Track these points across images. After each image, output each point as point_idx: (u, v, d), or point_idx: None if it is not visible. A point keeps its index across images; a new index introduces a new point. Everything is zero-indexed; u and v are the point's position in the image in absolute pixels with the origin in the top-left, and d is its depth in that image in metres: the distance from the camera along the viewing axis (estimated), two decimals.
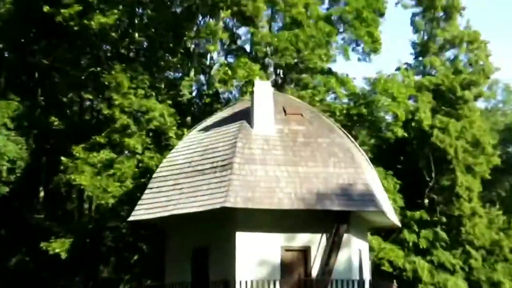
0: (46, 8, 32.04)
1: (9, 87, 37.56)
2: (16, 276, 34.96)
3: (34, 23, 35.95)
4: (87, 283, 36.70)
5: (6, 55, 39.46)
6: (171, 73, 35.81)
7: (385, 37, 55.70)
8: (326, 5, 37.17)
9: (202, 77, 35.42)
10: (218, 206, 20.03)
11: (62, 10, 30.85)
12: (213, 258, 21.71)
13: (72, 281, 36.39)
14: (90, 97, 37.94)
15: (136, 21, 34.30)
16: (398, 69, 39.83)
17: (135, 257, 35.75)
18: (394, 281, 25.34)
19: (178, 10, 34.00)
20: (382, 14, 35.82)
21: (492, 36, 71.03)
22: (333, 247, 21.08)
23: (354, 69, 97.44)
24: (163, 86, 32.74)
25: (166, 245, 24.64)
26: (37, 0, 34.38)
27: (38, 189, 38.53)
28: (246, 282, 19.58)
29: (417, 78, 39.43)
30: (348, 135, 26.38)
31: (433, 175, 37.63)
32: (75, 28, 31.55)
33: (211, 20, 32.93)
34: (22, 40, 37.44)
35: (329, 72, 35.41)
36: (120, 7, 32.37)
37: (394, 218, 25.68)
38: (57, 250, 28.93)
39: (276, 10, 35.02)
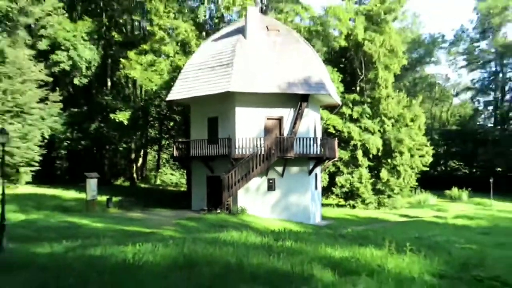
0: None
1: (84, 13, 43.28)
2: (96, 137, 42.07)
3: None
4: (141, 140, 44.57)
5: None
6: (192, 2, 39.07)
7: None
8: None
9: (212, 5, 38.66)
10: (224, 90, 25.13)
11: None
12: (221, 124, 27.10)
13: (131, 138, 43.17)
14: (138, 18, 43.19)
15: None
16: (343, 0, 42.88)
17: (171, 124, 42.93)
18: (336, 138, 31.62)
19: None
20: None
21: None
22: (297, 117, 26.25)
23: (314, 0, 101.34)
24: (186, 11, 37.36)
25: (191, 116, 29.98)
26: None
27: (107, 80, 45.15)
28: (242, 138, 25.53)
29: (355, 6, 43.24)
30: (309, 44, 31.87)
31: (363, 71, 41.94)
32: None
33: None
34: None
35: (297, 1, 39.49)
36: None
37: (337, 99, 30.76)
38: (121, 119, 35.62)
39: None
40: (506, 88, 66.30)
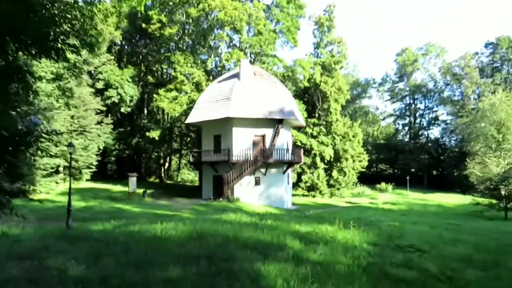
0: (143, 25, 37.42)
1: (128, 62, 43.13)
2: (136, 148, 41.15)
3: (138, 31, 41.11)
4: (167, 150, 43.30)
5: (126, 47, 44.80)
6: (203, 56, 38.64)
7: (300, 39, 57.57)
8: (273, 23, 39.84)
9: (217, 58, 38.63)
10: (225, 116, 25.49)
11: (151, 26, 36.11)
12: (223, 139, 27.11)
13: (160, 149, 42.24)
14: (166, 67, 43.18)
15: (186, 31, 38.53)
16: (306, 54, 42.93)
17: (188, 139, 42.67)
18: (301, 149, 32.16)
19: (205, 26, 37.13)
20: (299, 28, 39.73)
21: (349, 36, 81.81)
22: (275, 134, 26.74)
23: (286, 54, 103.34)
24: (199, 62, 37.07)
25: (202, 134, 29.76)
26: (137, 19, 39.27)
27: (144, 109, 44.50)
28: (237, 149, 25.96)
29: (315, 59, 42.60)
30: (283, 85, 32.14)
31: (320, 103, 42.22)
32: (157, 34, 36.80)
33: (220, 31, 36.54)
34: (133, 40, 43.14)
35: (275, 56, 39.09)
36: (178, 24, 37.01)
37: (302, 122, 31.43)
38: (153, 136, 35.03)
39: (250, 26, 37.61)
40: (417, 114, 67.05)
